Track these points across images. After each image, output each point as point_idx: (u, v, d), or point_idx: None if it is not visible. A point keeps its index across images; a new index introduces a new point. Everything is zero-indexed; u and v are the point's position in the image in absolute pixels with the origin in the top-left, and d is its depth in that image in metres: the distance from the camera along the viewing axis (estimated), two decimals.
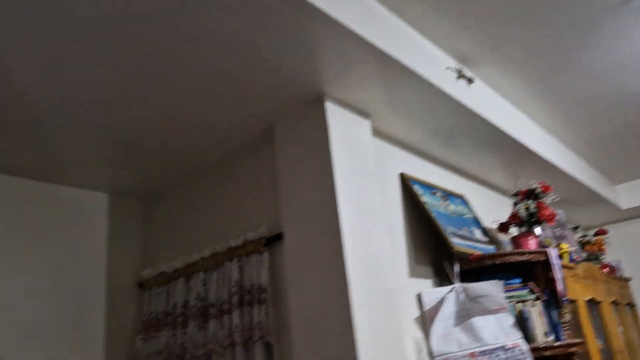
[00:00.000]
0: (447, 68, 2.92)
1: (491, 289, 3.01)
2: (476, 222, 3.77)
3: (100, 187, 3.77)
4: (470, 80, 2.95)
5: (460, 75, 2.88)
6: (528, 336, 3.00)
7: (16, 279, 3.22)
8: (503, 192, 4.49)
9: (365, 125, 3.04)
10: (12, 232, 3.28)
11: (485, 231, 3.76)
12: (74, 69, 2.41)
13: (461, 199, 3.86)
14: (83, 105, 2.72)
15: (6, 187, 3.32)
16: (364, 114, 3.05)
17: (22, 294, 3.22)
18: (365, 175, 2.87)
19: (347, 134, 2.87)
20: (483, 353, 2.82)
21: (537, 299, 3.17)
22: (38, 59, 2.32)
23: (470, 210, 3.85)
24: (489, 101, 3.50)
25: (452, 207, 3.60)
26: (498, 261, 3.19)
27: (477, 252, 3.26)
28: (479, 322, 2.92)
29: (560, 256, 3.67)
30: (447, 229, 3.29)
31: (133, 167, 3.51)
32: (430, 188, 3.57)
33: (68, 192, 3.64)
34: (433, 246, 3.36)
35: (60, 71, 2.42)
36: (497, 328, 2.91)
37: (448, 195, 3.71)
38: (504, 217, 3.80)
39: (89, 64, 2.39)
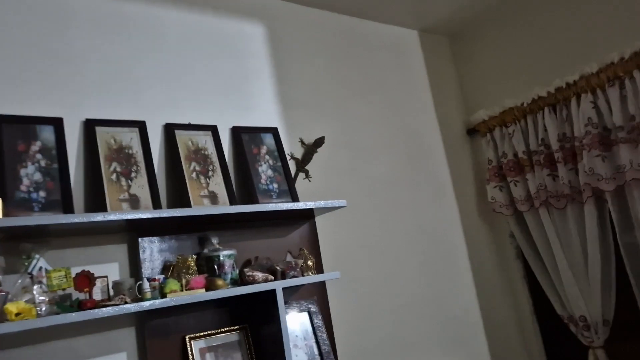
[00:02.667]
0: None
1: None
2: None
3: (409, 22, 3.19)
4: None
5: None
6: None
7: (371, 130, 2.82)
8: None
9: None
10: (348, 70, 2.84)
11: None
12: None
13: None
14: None
15: (329, 24, 2.85)
16: None
17: (381, 144, 2.82)
18: None
19: None
20: None
21: None
22: None
23: None
24: None
25: None
26: None
27: None
28: None
29: None
30: None
31: None
32: None
33: (381, 28, 3.10)
34: None
35: None
36: None
37: None
38: None
39: None
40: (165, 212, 1.81)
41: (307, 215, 2.34)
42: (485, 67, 3.24)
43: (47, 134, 1.84)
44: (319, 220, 2.42)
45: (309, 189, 2.45)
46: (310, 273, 2.12)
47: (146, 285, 1.73)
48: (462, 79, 3.37)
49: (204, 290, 1.81)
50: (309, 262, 2.15)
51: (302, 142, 2.50)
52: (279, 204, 2.06)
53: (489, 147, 3.09)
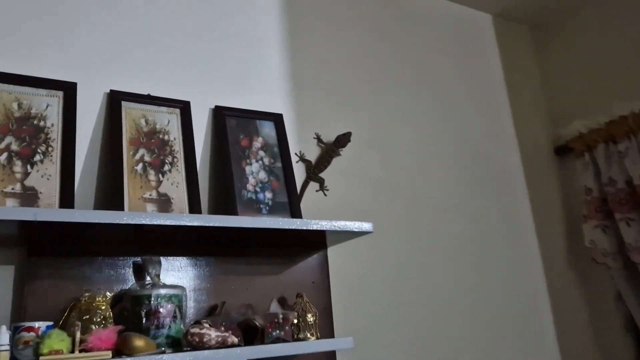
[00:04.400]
0: None
1: None
2: None
3: (482, 3, 2.42)
4: None
5: None
6: None
7: (416, 132, 2.05)
8: None
9: None
10: (391, 51, 2.08)
11: None
12: None
13: None
14: None
15: None
16: None
17: (429, 153, 2.03)
18: None
19: None
20: None
21: None
22: None
23: None
24: None
25: None
26: None
27: None
28: None
29: None
30: None
31: None
32: None
33: (442, 4, 2.34)
34: None
35: None
36: None
37: None
38: None
39: None
40: (67, 215, 1.08)
41: (316, 244, 1.56)
42: (580, 64, 2.40)
43: None
44: (332, 252, 1.63)
45: (318, 205, 1.67)
46: (308, 334, 1.33)
47: (4, 338, 1.00)
48: (547, 79, 2.53)
49: (109, 354, 1.05)
50: (309, 317, 1.36)
51: (318, 138, 1.74)
52: (266, 220, 1.29)
53: (587, 171, 2.22)
